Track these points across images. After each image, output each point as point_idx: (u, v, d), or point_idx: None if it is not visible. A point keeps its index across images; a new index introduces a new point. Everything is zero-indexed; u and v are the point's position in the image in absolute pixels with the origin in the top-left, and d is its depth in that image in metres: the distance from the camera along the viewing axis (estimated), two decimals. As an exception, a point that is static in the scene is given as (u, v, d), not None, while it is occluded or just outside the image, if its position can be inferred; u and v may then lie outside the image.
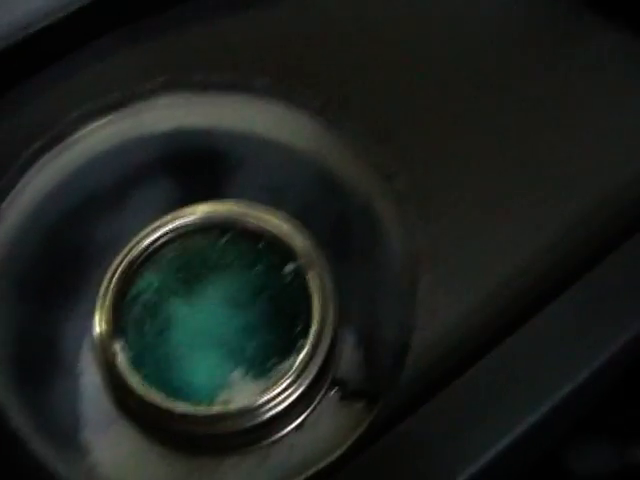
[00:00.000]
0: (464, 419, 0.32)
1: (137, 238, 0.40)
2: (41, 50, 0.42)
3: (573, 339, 0.33)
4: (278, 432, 0.38)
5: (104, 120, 0.43)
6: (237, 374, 0.38)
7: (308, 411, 0.39)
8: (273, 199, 0.43)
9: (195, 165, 0.45)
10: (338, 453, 0.35)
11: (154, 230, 0.40)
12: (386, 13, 0.46)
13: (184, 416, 0.36)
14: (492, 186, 0.39)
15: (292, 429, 0.39)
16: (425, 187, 0.39)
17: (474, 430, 0.32)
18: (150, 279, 0.40)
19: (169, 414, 0.36)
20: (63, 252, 0.44)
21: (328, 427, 0.41)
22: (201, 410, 0.36)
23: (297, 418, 0.39)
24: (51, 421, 0.41)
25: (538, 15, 0.46)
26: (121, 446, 0.42)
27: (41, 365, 0.43)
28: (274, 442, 0.39)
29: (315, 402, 0.39)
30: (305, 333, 0.38)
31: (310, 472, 0.35)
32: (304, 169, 0.44)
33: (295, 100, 0.43)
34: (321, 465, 0.35)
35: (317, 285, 0.39)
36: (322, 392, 0.39)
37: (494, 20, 0.46)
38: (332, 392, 0.41)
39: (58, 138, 0.42)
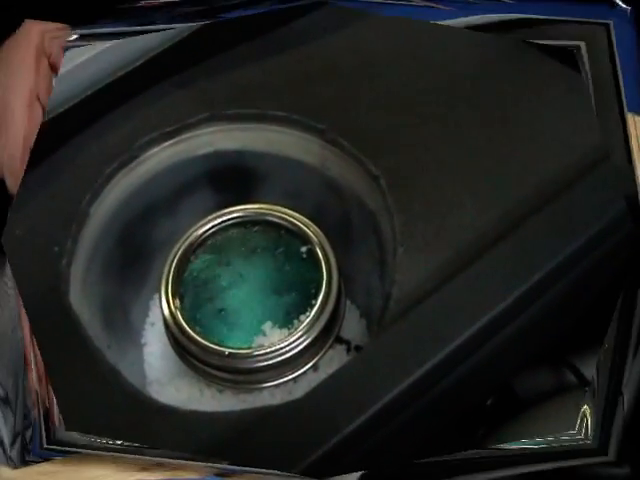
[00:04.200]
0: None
1: (190, 231, 0.53)
2: (117, 94, 0.56)
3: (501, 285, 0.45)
4: (299, 370, 0.50)
5: (162, 145, 0.55)
6: (267, 325, 0.51)
7: (319, 356, 0.51)
8: (291, 201, 0.55)
9: (230, 179, 0.58)
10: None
11: (203, 225, 0.53)
12: (375, 61, 0.57)
13: (232, 354, 0.48)
14: (448, 188, 0.51)
15: (309, 368, 0.51)
16: (401, 185, 0.51)
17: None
18: (201, 260, 0.53)
19: (220, 354, 0.49)
20: (133, 245, 0.56)
21: (337, 371, 0.53)
22: (243, 350, 0.49)
23: (312, 360, 0.50)
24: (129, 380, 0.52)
25: (489, 54, 0.58)
26: (181, 393, 0.54)
27: (118, 336, 0.55)
28: (297, 378, 0.50)
29: (325, 349, 0.51)
30: (316, 296, 0.50)
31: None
32: (313, 178, 0.56)
33: (305, 127, 0.55)
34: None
35: (325, 261, 0.51)
36: (330, 342, 0.51)
37: (462, 59, 0.57)
38: (339, 347, 0.53)
39: (129, 159, 0.54)
